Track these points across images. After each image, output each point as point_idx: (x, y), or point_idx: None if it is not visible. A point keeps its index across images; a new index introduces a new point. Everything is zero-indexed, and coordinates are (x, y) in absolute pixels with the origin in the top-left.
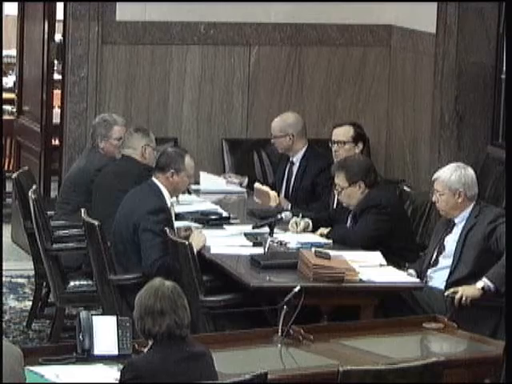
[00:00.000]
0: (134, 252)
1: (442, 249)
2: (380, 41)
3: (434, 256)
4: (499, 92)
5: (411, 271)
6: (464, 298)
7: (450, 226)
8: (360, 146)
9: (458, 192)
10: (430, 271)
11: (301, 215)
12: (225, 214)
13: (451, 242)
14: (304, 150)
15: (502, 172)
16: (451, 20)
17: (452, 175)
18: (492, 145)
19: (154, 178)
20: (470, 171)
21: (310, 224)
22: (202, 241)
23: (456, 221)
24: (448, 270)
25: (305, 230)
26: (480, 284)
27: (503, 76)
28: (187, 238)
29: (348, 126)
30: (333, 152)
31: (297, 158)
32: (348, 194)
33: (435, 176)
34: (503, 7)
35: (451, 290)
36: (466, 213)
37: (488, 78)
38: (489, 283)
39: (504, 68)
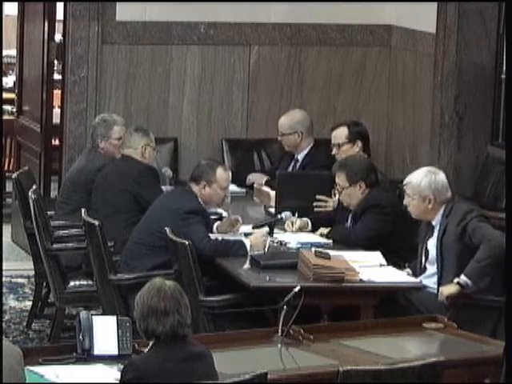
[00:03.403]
0: (152, 249)
1: (427, 254)
2: (380, 41)
3: (423, 262)
4: (499, 92)
5: (408, 270)
6: (445, 298)
7: (430, 229)
8: (359, 143)
9: (428, 198)
10: (420, 278)
11: (297, 214)
12: (225, 214)
13: (432, 246)
14: (309, 147)
15: (502, 172)
16: (451, 20)
17: (422, 181)
18: (492, 145)
19: (191, 186)
20: (441, 176)
21: (309, 223)
22: (262, 244)
23: (434, 223)
24: (436, 277)
25: (302, 230)
26: (456, 280)
27: (503, 76)
28: (232, 225)
29: (342, 128)
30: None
31: (301, 156)
32: (348, 193)
33: (406, 180)
34: (503, 7)
35: (440, 296)
36: (439, 215)
37: (488, 78)
38: (465, 279)
39: (504, 68)
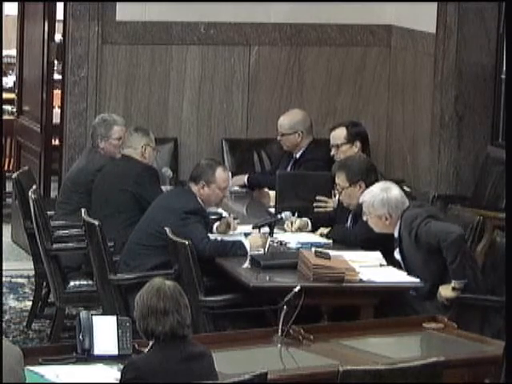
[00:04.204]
0: (153, 251)
1: (399, 265)
2: (380, 41)
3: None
4: (499, 92)
5: None
6: (444, 299)
7: (395, 240)
8: (358, 144)
9: (384, 216)
10: None
11: (296, 214)
12: (225, 213)
13: (399, 257)
14: (307, 145)
15: (502, 172)
16: (451, 20)
17: (374, 201)
18: (492, 145)
19: (190, 186)
20: (394, 192)
21: (309, 223)
22: (261, 244)
23: (395, 235)
24: None
25: (302, 230)
26: (451, 285)
27: (503, 76)
28: (229, 226)
29: (341, 128)
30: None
31: (299, 154)
32: (348, 193)
33: (361, 199)
34: (503, 7)
35: (438, 297)
36: (398, 227)
37: (488, 78)
38: (457, 281)
39: (504, 68)
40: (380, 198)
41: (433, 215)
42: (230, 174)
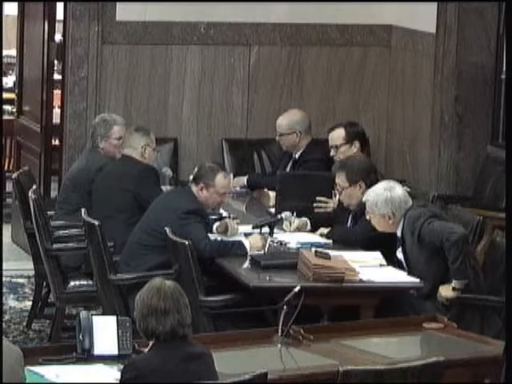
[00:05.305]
0: (151, 249)
1: (401, 265)
2: (380, 41)
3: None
4: (499, 92)
5: None
6: (444, 300)
7: (398, 239)
8: (356, 144)
9: (387, 215)
10: None
11: (295, 214)
12: (225, 213)
13: (401, 256)
14: (306, 145)
15: (502, 172)
16: (451, 20)
17: (378, 201)
18: (492, 145)
19: (191, 186)
20: (397, 191)
21: (308, 223)
22: (261, 245)
23: (398, 235)
24: None
25: (301, 229)
26: (451, 285)
27: (503, 76)
28: (226, 227)
29: (339, 129)
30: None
31: (299, 154)
32: (348, 194)
33: (364, 197)
34: (503, 7)
35: (438, 297)
36: (401, 226)
37: (488, 78)
38: (457, 281)
39: (504, 68)
40: (384, 197)
41: (436, 215)
42: (231, 178)
